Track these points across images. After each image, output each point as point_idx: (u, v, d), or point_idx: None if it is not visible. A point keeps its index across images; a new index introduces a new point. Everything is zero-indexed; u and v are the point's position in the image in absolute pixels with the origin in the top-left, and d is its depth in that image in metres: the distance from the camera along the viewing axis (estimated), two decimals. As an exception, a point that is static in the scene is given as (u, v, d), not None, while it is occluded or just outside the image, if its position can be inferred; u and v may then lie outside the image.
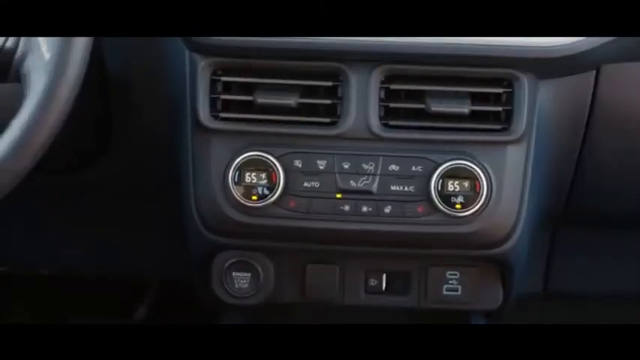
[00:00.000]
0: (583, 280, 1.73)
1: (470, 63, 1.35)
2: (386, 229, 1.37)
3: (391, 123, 1.37)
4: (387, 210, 1.36)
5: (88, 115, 1.41)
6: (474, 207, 1.35)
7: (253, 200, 1.36)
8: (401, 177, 1.36)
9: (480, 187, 1.35)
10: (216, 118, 1.37)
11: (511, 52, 1.33)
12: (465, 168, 1.35)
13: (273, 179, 1.35)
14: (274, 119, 1.37)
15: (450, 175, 1.35)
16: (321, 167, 1.36)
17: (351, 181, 1.36)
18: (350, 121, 1.36)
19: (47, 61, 1.13)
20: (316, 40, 1.33)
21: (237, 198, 1.36)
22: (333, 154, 1.36)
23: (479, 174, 1.35)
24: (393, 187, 1.36)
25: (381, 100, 1.36)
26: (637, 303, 1.82)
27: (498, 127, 1.37)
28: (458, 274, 1.47)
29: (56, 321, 2.03)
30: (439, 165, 1.35)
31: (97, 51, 1.38)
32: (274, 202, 1.36)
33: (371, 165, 1.36)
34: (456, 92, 1.36)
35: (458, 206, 1.35)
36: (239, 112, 1.37)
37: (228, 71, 1.37)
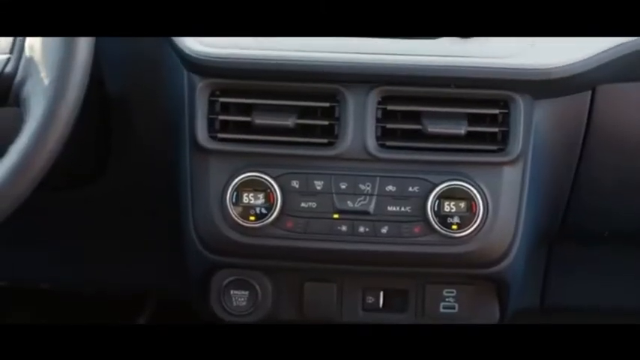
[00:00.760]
0: (580, 296, 1.74)
1: (466, 84, 1.35)
2: (383, 250, 1.38)
3: (388, 144, 1.37)
4: (384, 230, 1.37)
5: (87, 135, 1.42)
6: (471, 227, 1.36)
7: (251, 220, 1.37)
8: (397, 197, 1.37)
9: (477, 207, 1.36)
10: (214, 138, 1.38)
11: (507, 74, 1.34)
12: (462, 189, 1.36)
13: (271, 200, 1.36)
14: (272, 140, 1.37)
15: (446, 195, 1.36)
16: (319, 188, 1.37)
17: (348, 202, 1.37)
18: (347, 141, 1.37)
19: (46, 86, 1.13)
20: (313, 62, 1.34)
21: (235, 218, 1.37)
22: (330, 174, 1.37)
23: (475, 195, 1.36)
24: (389, 208, 1.37)
25: (377, 120, 1.37)
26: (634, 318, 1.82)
27: (494, 147, 1.37)
28: (455, 291, 1.47)
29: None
30: (436, 186, 1.36)
31: (97, 71, 1.39)
32: (272, 223, 1.37)
33: (368, 185, 1.37)
34: (453, 113, 1.37)
35: (454, 227, 1.36)
36: (237, 133, 1.38)
37: (226, 92, 1.38)
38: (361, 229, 1.37)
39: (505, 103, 1.37)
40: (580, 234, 1.60)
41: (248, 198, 1.37)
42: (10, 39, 1.21)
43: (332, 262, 1.42)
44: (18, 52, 1.20)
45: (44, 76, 1.15)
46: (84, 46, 1.15)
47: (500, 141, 1.38)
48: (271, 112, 1.37)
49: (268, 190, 1.36)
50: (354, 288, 1.48)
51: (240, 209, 1.37)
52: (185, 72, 1.39)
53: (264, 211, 1.36)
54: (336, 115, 1.37)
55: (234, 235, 1.38)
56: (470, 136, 1.37)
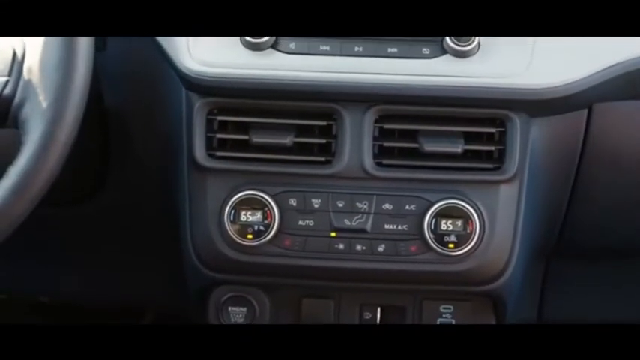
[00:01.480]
0: (577, 310, 1.74)
1: (462, 104, 1.36)
2: (380, 267, 1.39)
3: (385, 162, 1.38)
4: (381, 248, 1.38)
5: (86, 151, 1.43)
6: (467, 246, 1.36)
7: (249, 238, 1.37)
8: (394, 216, 1.37)
9: (473, 226, 1.36)
10: (212, 156, 1.38)
11: (504, 94, 1.34)
12: (458, 207, 1.36)
13: (269, 218, 1.37)
14: (269, 158, 1.38)
15: (443, 214, 1.36)
16: (316, 206, 1.37)
17: (346, 220, 1.37)
18: (344, 160, 1.37)
19: (44, 109, 1.14)
20: (311, 81, 1.34)
21: (233, 236, 1.37)
22: (328, 192, 1.38)
23: (471, 213, 1.36)
24: (386, 226, 1.37)
25: (374, 139, 1.37)
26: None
27: (491, 166, 1.38)
28: (452, 307, 1.48)
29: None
30: (432, 204, 1.36)
31: (95, 85, 1.40)
32: (269, 241, 1.37)
33: (365, 204, 1.37)
34: (449, 132, 1.37)
35: (451, 245, 1.36)
36: (235, 151, 1.39)
37: (223, 110, 1.38)
38: (358, 247, 1.38)
39: (502, 122, 1.37)
40: (577, 249, 1.60)
41: (246, 216, 1.37)
42: (8, 61, 1.21)
43: (329, 279, 1.42)
44: (16, 74, 1.20)
45: (42, 99, 1.15)
46: (82, 68, 1.15)
47: (497, 159, 1.38)
48: (269, 130, 1.37)
49: (266, 209, 1.37)
50: (352, 304, 1.49)
51: (237, 227, 1.37)
52: (183, 90, 1.39)
53: (261, 228, 1.37)
54: (334, 133, 1.38)
55: (232, 253, 1.39)
56: (466, 155, 1.37)
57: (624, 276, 1.71)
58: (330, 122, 1.37)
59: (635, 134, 1.45)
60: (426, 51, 1.35)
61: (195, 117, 1.38)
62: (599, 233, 1.55)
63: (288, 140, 1.37)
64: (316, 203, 1.37)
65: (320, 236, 1.38)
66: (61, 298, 1.89)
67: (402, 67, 1.35)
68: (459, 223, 1.36)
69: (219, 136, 1.39)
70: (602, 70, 1.35)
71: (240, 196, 1.37)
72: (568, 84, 1.34)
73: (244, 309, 1.48)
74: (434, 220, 1.36)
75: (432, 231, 1.36)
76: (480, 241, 1.37)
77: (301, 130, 1.38)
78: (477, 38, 1.34)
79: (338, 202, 1.37)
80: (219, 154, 1.39)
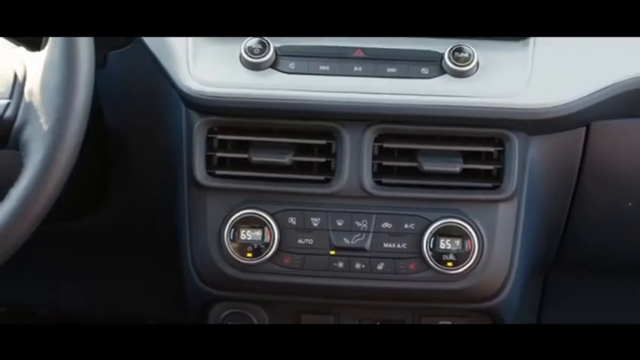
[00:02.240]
0: (575, 321, 1.74)
1: (461, 123, 1.36)
2: (379, 286, 1.39)
3: (384, 181, 1.39)
4: (380, 267, 1.38)
5: (86, 168, 1.43)
6: (466, 264, 1.37)
7: (248, 257, 1.38)
8: (393, 234, 1.38)
9: (472, 244, 1.37)
10: (211, 175, 1.39)
11: (502, 114, 1.35)
12: (457, 226, 1.37)
13: (268, 236, 1.37)
14: (269, 177, 1.39)
15: (441, 232, 1.37)
16: (315, 224, 1.38)
17: (345, 239, 1.38)
18: (343, 179, 1.38)
19: (45, 132, 1.14)
20: (310, 101, 1.35)
21: (232, 255, 1.38)
22: (327, 211, 1.38)
23: (470, 232, 1.37)
24: (385, 245, 1.38)
25: (374, 157, 1.38)
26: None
27: (490, 185, 1.39)
28: (450, 324, 1.48)
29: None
30: (431, 223, 1.37)
31: (96, 105, 1.40)
32: (269, 259, 1.38)
33: (364, 223, 1.38)
34: (448, 151, 1.38)
35: (450, 264, 1.37)
36: (234, 170, 1.39)
37: (223, 129, 1.39)
38: (357, 266, 1.38)
39: (500, 141, 1.38)
40: (576, 265, 1.61)
41: (245, 234, 1.38)
42: (9, 83, 1.22)
43: (329, 297, 1.43)
44: (17, 97, 1.20)
45: (43, 122, 1.15)
46: (82, 90, 1.16)
47: (496, 178, 1.39)
48: (268, 149, 1.38)
49: (265, 227, 1.37)
50: (351, 320, 1.49)
51: (237, 245, 1.38)
52: (183, 108, 1.40)
53: (261, 247, 1.38)
54: (333, 152, 1.38)
55: (232, 271, 1.39)
56: (465, 174, 1.38)
57: (623, 290, 1.72)
58: (330, 141, 1.38)
59: (632, 151, 1.45)
60: (424, 71, 1.36)
61: (195, 135, 1.38)
62: (598, 250, 1.56)
63: (287, 159, 1.37)
64: (315, 222, 1.38)
65: (319, 254, 1.38)
66: (61, 311, 1.89)
67: (401, 87, 1.35)
68: (458, 241, 1.37)
69: (219, 154, 1.39)
70: (600, 90, 1.35)
71: (240, 215, 1.38)
72: (567, 103, 1.34)
73: None
74: (433, 239, 1.37)
75: (430, 249, 1.37)
76: (479, 260, 1.37)
77: (301, 149, 1.38)
78: (475, 58, 1.35)
79: (337, 221, 1.38)
80: (219, 172, 1.39)
